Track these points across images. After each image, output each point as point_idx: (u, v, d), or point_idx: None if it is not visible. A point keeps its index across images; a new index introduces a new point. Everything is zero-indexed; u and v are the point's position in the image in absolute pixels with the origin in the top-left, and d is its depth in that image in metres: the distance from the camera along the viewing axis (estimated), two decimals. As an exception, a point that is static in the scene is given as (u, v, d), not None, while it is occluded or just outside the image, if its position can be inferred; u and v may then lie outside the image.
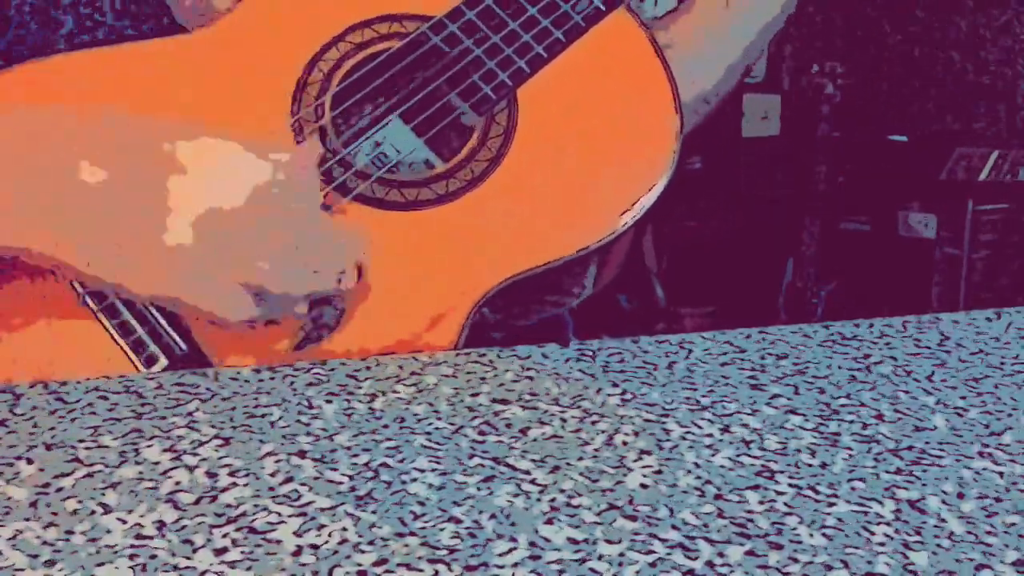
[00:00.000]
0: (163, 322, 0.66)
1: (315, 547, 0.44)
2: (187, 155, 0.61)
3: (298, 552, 0.44)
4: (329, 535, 0.45)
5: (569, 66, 0.73)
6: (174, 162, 0.60)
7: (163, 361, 0.65)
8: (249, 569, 0.43)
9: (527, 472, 0.50)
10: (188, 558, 0.43)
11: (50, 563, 0.43)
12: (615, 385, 0.59)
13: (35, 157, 0.61)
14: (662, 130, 0.71)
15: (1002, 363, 0.63)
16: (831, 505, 0.48)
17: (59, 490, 0.48)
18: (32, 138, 0.61)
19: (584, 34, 0.74)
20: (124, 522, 0.46)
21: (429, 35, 0.72)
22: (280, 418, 0.55)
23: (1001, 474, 0.51)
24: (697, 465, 0.51)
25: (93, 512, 0.46)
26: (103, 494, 0.48)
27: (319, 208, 0.63)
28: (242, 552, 0.44)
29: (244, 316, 0.62)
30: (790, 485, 0.49)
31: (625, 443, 0.53)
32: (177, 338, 0.66)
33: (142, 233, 0.60)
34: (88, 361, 0.65)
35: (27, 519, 0.46)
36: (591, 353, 0.63)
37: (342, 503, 0.47)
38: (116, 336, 0.66)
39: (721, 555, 0.44)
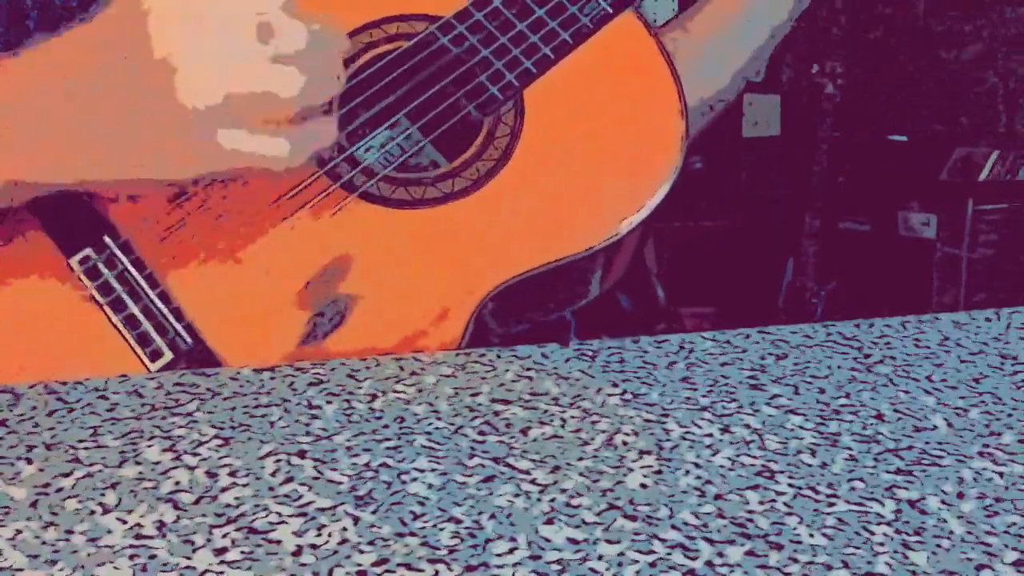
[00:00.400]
0: (170, 316, 0.66)
1: (315, 547, 0.44)
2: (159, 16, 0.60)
3: (298, 552, 0.44)
4: (329, 535, 0.45)
5: (576, 68, 0.73)
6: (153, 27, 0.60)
7: (168, 355, 0.65)
8: (249, 569, 0.43)
9: (527, 472, 0.50)
10: (188, 558, 0.43)
11: (50, 563, 0.43)
12: (615, 385, 0.59)
13: (61, 90, 0.61)
14: (667, 134, 0.71)
15: (1002, 363, 0.63)
16: (831, 505, 0.48)
17: (59, 490, 0.48)
18: (46, 75, 0.62)
19: (591, 36, 0.74)
20: (124, 522, 0.46)
21: (437, 35, 0.73)
22: (280, 418, 0.55)
23: (1001, 474, 0.51)
24: (697, 465, 0.51)
25: (93, 512, 0.46)
26: (103, 494, 0.48)
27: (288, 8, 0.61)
28: (242, 552, 0.44)
29: (283, 152, 0.61)
30: (790, 485, 0.49)
31: (625, 443, 0.53)
32: (183, 332, 0.66)
33: (168, 114, 0.60)
34: (92, 356, 0.65)
35: (27, 519, 0.46)
36: (591, 353, 0.63)
37: (342, 503, 0.47)
38: (122, 330, 0.66)
39: (721, 555, 0.44)
